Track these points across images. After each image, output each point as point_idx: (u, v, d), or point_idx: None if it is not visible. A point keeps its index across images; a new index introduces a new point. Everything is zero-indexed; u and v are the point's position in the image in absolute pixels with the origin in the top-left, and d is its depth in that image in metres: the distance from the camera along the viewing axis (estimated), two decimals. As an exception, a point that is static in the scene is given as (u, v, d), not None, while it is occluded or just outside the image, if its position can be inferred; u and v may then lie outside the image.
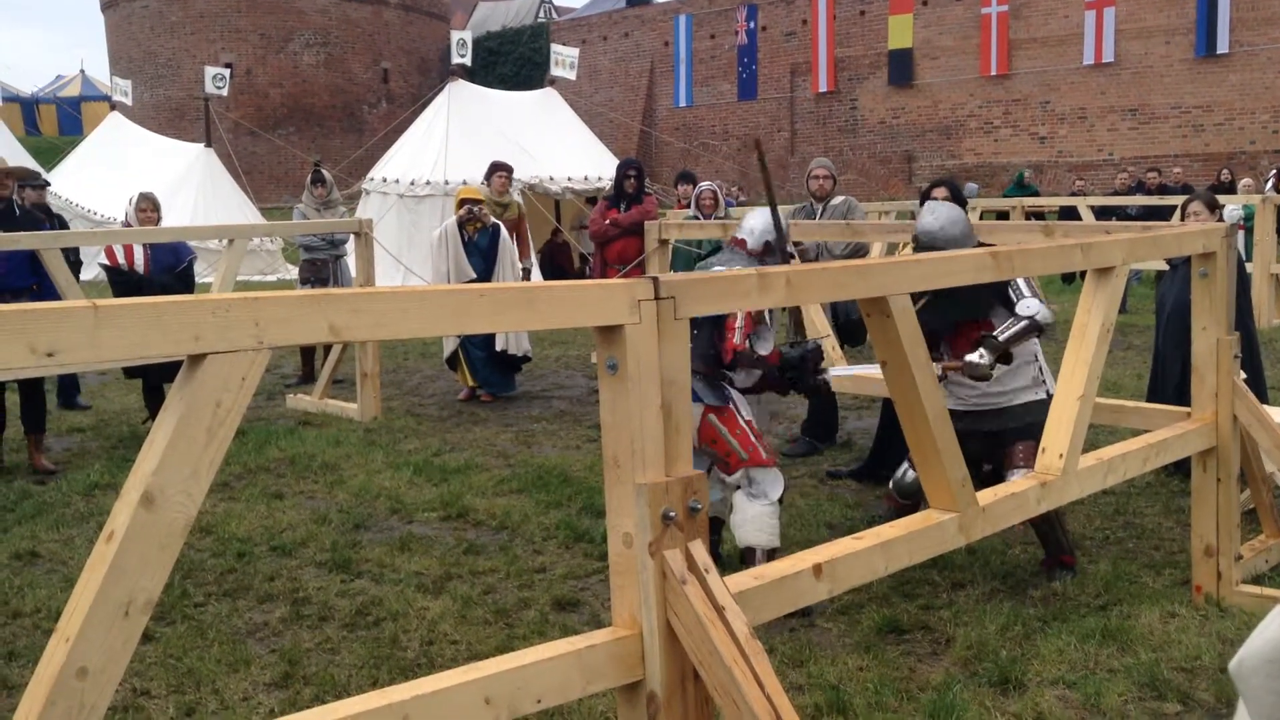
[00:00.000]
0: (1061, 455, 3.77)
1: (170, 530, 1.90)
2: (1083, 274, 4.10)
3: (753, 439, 4.78)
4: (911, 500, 4.96)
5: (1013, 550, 5.20)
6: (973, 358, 4.70)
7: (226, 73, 22.45)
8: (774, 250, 5.09)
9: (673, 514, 2.47)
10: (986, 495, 3.47)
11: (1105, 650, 4.08)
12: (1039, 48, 27.47)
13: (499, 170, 10.25)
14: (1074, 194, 19.23)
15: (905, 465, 5.10)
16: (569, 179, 16.39)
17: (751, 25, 32.17)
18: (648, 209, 9.56)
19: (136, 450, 6.22)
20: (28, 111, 41.70)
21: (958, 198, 6.38)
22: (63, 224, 10.27)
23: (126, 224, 8.24)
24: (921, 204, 6.85)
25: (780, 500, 4.81)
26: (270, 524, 5.86)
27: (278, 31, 37.04)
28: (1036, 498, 3.66)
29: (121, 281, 7.66)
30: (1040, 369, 4.96)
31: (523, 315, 2.44)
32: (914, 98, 29.58)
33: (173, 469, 1.90)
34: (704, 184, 9.56)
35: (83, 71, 45.50)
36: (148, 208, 7.96)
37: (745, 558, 4.75)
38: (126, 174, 18.00)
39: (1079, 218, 14.19)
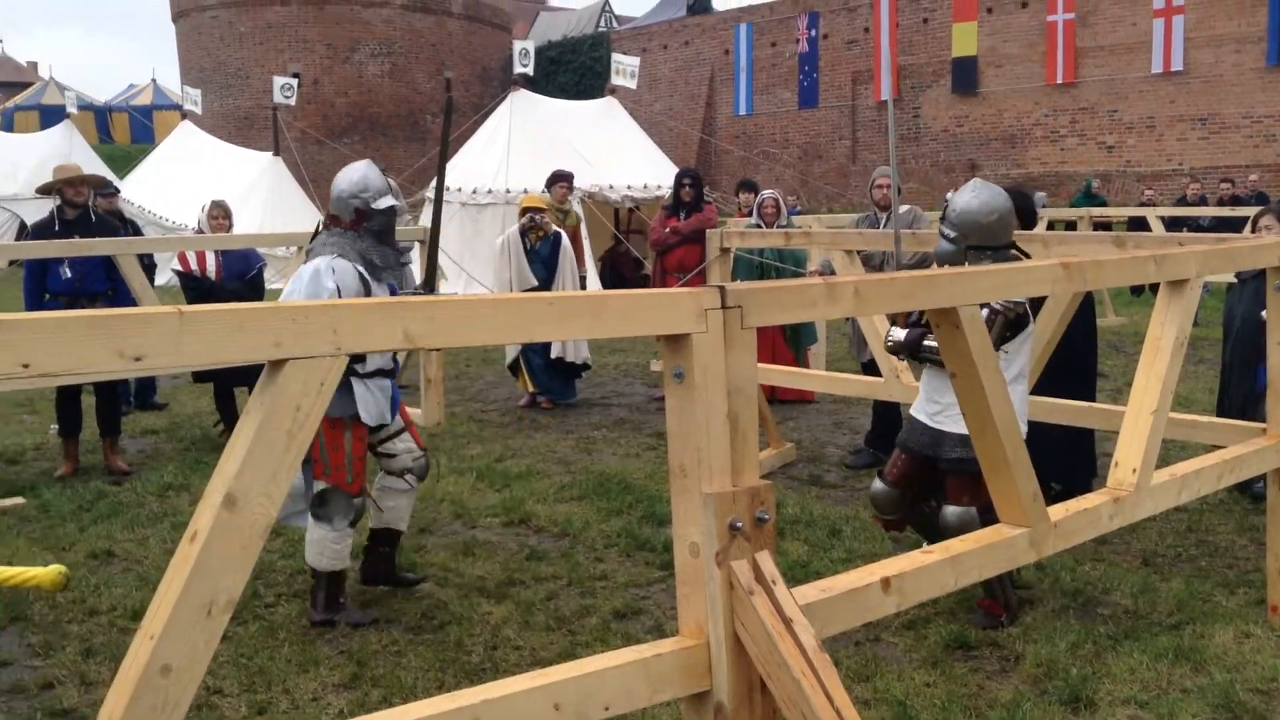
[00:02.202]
0: (1135, 470, 3.70)
1: (251, 531, 1.93)
2: (1151, 286, 4.03)
3: (345, 458, 4.60)
4: (890, 515, 4.68)
5: (1083, 566, 5.12)
6: (893, 332, 4.61)
7: (294, 82, 22.84)
8: (370, 215, 4.68)
9: (739, 524, 2.47)
10: (1058, 510, 3.42)
11: (1178, 670, 4.00)
12: (1106, 55, 27.03)
13: (560, 180, 10.32)
14: (1143, 204, 18.88)
15: (876, 477, 4.80)
16: (629, 187, 16.44)
17: (813, 33, 32.02)
18: (708, 217, 9.56)
19: (208, 452, 6.40)
20: (101, 120, 42.72)
21: (1025, 206, 6.29)
22: (136, 230, 10.51)
23: (199, 231, 8.42)
24: None
25: (353, 524, 4.69)
26: (336, 527, 5.93)
27: (344, 42, 37.58)
28: (1109, 514, 3.59)
29: (194, 287, 7.82)
30: None
31: (591, 323, 2.44)
32: (978, 106, 29.24)
33: (254, 471, 1.94)
34: (766, 192, 9.55)
35: (154, 81, 46.53)
36: (220, 215, 8.13)
37: (313, 574, 4.72)
38: (197, 181, 18.38)
39: (1148, 228, 13.93)
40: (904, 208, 7.31)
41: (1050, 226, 15.08)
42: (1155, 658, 4.07)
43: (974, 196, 4.50)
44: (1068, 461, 5.92)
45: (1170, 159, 26.23)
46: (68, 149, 22.99)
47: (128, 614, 4.71)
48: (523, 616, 4.69)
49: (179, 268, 7.95)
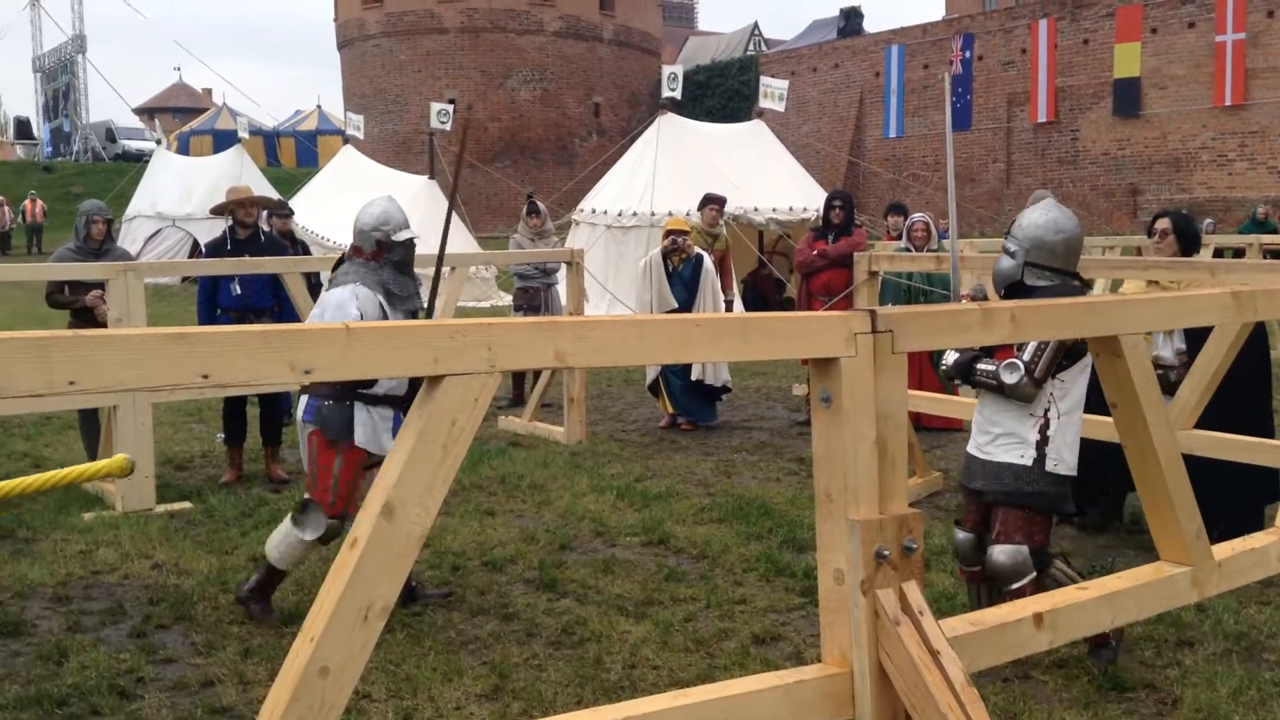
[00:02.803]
0: (1308, 510, 3.51)
1: (407, 540, 2.00)
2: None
3: (331, 481, 4.73)
4: (974, 565, 4.36)
5: (1248, 609, 4.85)
6: (947, 354, 4.39)
7: (450, 108, 23.50)
8: (390, 247, 4.87)
9: (887, 552, 2.43)
10: (1223, 550, 3.27)
11: (1355, 725, 3.75)
12: (1279, 77, 25.74)
13: (711, 203, 10.36)
14: (1319, 231, 17.86)
15: (955, 526, 4.50)
16: (774, 210, 16.40)
17: (967, 54, 31.42)
18: (857, 241, 9.44)
19: (363, 464, 6.32)
20: (269, 144, 44.91)
21: (1187, 232, 6.03)
22: (305, 250, 10.79)
23: (358, 250, 8.73)
24: (1149, 235, 6.52)
25: (324, 541, 4.82)
26: (482, 540, 6.07)
27: (498, 68, 38.65)
28: (1278, 554, 3.41)
29: (352, 304, 8.12)
30: (1043, 428, 4.08)
31: (738, 345, 2.45)
32: (1141, 128, 28.20)
33: (411, 482, 2.01)
34: (916, 215, 9.40)
35: (319, 107, 48.71)
36: (379, 236, 8.43)
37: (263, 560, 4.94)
38: (357, 203, 19.05)
39: (1325, 256, 13.17)
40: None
41: (1217, 254, 14.41)
42: (1330, 711, 3.83)
43: (1042, 213, 4.30)
44: (1235, 500, 5.63)
45: (1350, 184, 24.80)
46: (238, 172, 24.17)
47: (284, 617, 4.90)
48: (661, 637, 4.70)
49: (339, 285, 8.27)
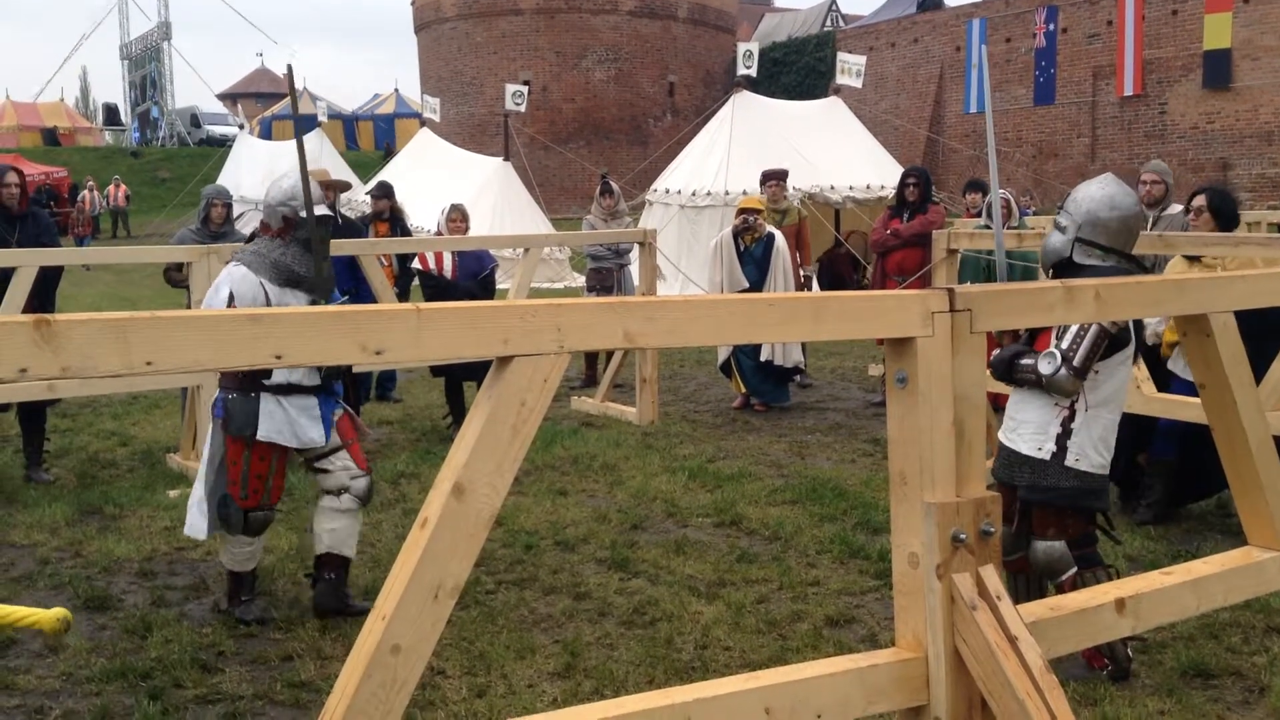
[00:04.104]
0: None
1: (477, 520, 2.01)
2: None
3: (241, 474, 4.60)
4: (1009, 555, 4.08)
5: (1343, 599, 4.69)
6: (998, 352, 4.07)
7: (525, 90, 23.56)
8: (299, 224, 4.61)
9: (963, 536, 2.38)
10: (1317, 536, 3.14)
11: None
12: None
13: (770, 179, 10.27)
14: None
15: None
16: (850, 188, 16.18)
17: (1051, 27, 30.63)
18: (932, 219, 9.24)
19: (437, 443, 6.66)
20: (348, 128, 45.47)
21: (1224, 210, 5.83)
22: (405, 231, 10.34)
23: (438, 233, 8.82)
24: (1186, 212, 6.31)
25: (250, 533, 4.68)
26: (555, 519, 6.11)
27: (572, 49, 38.64)
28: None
29: (431, 285, 8.23)
30: (1066, 420, 3.88)
31: (811, 325, 2.42)
32: (1231, 101, 27.28)
33: (481, 462, 2.01)
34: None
35: (396, 90, 49.18)
36: (457, 218, 8.52)
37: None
38: (433, 186, 19.27)
39: None
40: (1175, 208, 6.90)
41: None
42: None
43: (1100, 188, 4.04)
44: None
45: None
46: (318, 155, 24.49)
47: (360, 593, 4.98)
48: (733, 618, 4.69)
49: (419, 266, 8.38)
